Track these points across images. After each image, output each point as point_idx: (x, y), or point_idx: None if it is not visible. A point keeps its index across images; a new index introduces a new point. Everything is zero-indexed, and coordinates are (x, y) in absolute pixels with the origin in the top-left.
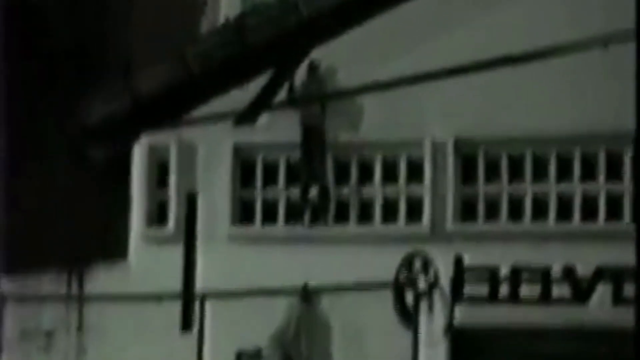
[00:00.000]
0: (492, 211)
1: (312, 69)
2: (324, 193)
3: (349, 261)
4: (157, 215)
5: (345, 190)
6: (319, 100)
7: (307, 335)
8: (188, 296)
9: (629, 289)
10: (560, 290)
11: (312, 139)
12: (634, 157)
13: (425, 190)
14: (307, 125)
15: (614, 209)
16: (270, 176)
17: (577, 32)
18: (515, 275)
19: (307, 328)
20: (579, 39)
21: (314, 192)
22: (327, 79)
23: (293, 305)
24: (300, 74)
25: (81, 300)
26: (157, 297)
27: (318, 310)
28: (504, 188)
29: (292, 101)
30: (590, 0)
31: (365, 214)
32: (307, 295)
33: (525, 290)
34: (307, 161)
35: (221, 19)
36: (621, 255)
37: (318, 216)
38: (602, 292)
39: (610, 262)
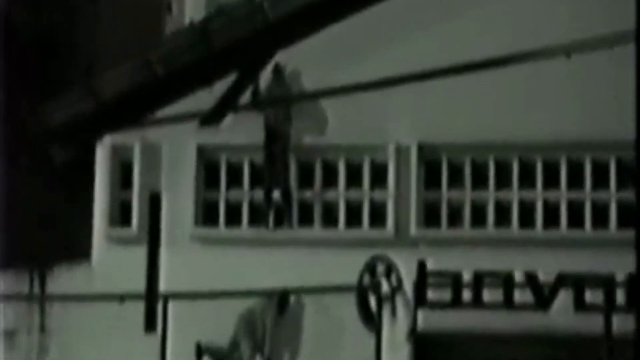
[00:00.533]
0: (455, 217)
1: (277, 71)
2: (286, 196)
3: (313, 264)
4: (121, 215)
5: (309, 194)
6: (283, 102)
7: (276, 335)
8: (151, 297)
9: (590, 296)
10: (522, 296)
11: (276, 141)
12: (636, 161)
13: (388, 195)
14: (271, 128)
15: (576, 216)
16: (234, 178)
17: (540, 39)
18: (478, 281)
19: (277, 329)
20: (541, 47)
21: (277, 194)
22: (291, 81)
23: (264, 306)
24: (265, 77)
25: (43, 300)
26: (120, 298)
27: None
28: (467, 194)
29: (256, 104)
30: (555, 7)
31: (329, 218)
32: (285, 301)
33: (487, 295)
34: (270, 164)
35: (186, 21)
36: (583, 262)
37: (281, 219)
38: (564, 298)
39: (572, 269)
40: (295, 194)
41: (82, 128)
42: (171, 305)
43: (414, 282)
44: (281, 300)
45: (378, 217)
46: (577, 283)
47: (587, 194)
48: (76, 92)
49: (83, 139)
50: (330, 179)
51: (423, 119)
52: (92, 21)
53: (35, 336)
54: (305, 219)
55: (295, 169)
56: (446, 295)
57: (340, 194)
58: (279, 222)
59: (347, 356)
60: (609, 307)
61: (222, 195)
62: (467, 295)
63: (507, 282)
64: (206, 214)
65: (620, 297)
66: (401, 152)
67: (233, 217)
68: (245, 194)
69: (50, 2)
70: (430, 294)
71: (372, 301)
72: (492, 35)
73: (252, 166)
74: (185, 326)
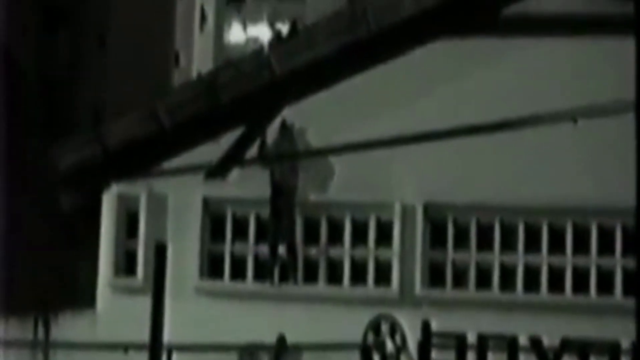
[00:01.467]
0: (460, 278)
1: (284, 127)
2: (291, 251)
3: (317, 321)
4: (126, 264)
5: (314, 250)
6: (290, 158)
7: None
8: (155, 347)
9: None
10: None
11: (282, 196)
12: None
13: (394, 254)
14: (277, 183)
15: (581, 282)
16: (240, 231)
17: (549, 103)
18: (482, 344)
19: None
20: (549, 111)
21: (282, 249)
22: (298, 137)
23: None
24: (272, 131)
25: (47, 347)
26: (124, 347)
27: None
28: (472, 255)
29: (262, 158)
30: (562, 72)
31: (334, 275)
32: (282, 346)
33: (492, 358)
34: (275, 219)
35: (194, 73)
36: (587, 328)
37: (286, 274)
38: None
39: (576, 334)
40: (300, 250)
41: (89, 175)
42: (175, 357)
43: (418, 342)
44: (278, 346)
45: (383, 275)
46: (581, 349)
47: (593, 260)
48: (83, 139)
49: (90, 186)
50: (335, 236)
51: (430, 178)
52: (100, 66)
53: None
54: (310, 275)
55: (301, 225)
56: (450, 356)
57: (346, 252)
58: (283, 278)
59: None
60: None
61: (228, 248)
62: (471, 357)
63: (511, 345)
64: (211, 267)
65: None
66: (407, 211)
67: (238, 271)
68: (251, 248)
69: (59, 47)
70: (435, 355)
71: None
72: (500, 97)
73: (258, 220)
74: None
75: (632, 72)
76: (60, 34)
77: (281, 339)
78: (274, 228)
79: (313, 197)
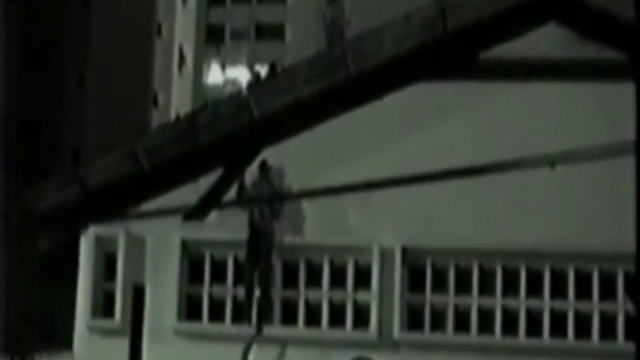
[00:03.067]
0: (438, 321)
1: (264, 168)
2: (266, 295)
3: None
4: (104, 306)
5: (292, 293)
6: (269, 200)
7: None
8: None
9: None
10: None
11: (260, 239)
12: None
13: (372, 297)
14: (255, 225)
15: (559, 326)
16: (218, 273)
17: (527, 147)
18: None
19: None
20: (527, 155)
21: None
22: (278, 179)
23: None
24: (252, 173)
25: None
26: None
27: None
28: (450, 298)
29: (241, 200)
30: (541, 116)
31: (312, 318)
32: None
33: None
34: (252, 261)
35: (172, 114)
36: None
37: (262, 317)
38: None
39: None
40: (278, 293)
41: (67, 216)
42: None
43: None
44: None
45: (361, 318)
46: None
47: (570, 304)
48: (61, 180)
49: (68, 227)
50: (314, 279)
51: (408, 222)
52: (79, 107)
53: None
54: (289, 318)
55: (280, 267)
56: None
57: (324, 294)
58: (259, 321)
59: None
60: None
61: (206, 291)
62: None
63: None
64: (189, 309)
65: None
66: (385, 255)
67: (216, 313)
68: (229, 290)
69: (36, 86)
70: None
71: None
72: (479, 142)
73: (237, 262)
74: None
75: (614, 116)
76: (40, 74)
77: None
78: (250, 270)
79: (291, 240)
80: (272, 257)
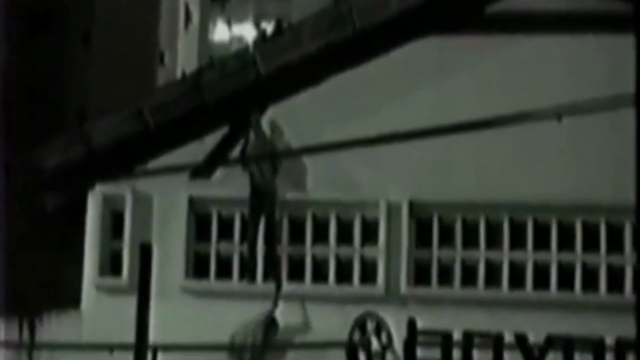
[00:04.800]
0: (445, 275)
1: (258, 126)
2: (271, 250)
3: (303, 319)
4: (111, 265)
5: (299, 249)
6: (271, 158)
7: None
8: (140, 348)
9: (579, 358)
10: (512, 356)
11: (262, 196)
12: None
13: (379, 252)
14: (255, 184)
15: (566, 278)
16: (225, 230)
17: (535, 100)
18: (468, 341)
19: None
20: (534, 108)
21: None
22: (280, 137)
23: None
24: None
25: (32, 348)
26: (109, 348)
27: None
28: (457, 253)
29: (244, 159)
30: (548, 69)
31: (319, 274)
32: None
33: (477, 355)
34: (255, 220)
35: (178, 72)
36: (572, 324)
37: (267, 272)
38: None
39: (561, 331)
40: (285, 249)
41: (73, 175)
42: (160, 357)
43: (404, 340)
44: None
45: (369, 273)
46: (566, 345)
47: (578, 257)
48: (67, 139)
49: (74, 186)
50: (320, 235)
51: (415, 176)
52: (84, 67)
53: None
54: (296, 274)
55: (286, 224)
56: (436, 354)
57: (331, 250)
58: (265, 276)
59: None
60: None
61: (213, 248)
62: (456, 354)
63: (496, 342)
64: (197, 266)
65: None
66: (392, 209)
67: (224, 270)
68: (236, 247)
69: (40, 46)
70: (420, 353)
71: (362, 358)
72: (486, 95)
73: (243, 220)
74: None
75: (620, 68)
76: (44, 34)
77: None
78: (253, 228)
79: (297, 196)
80: (275, 214)
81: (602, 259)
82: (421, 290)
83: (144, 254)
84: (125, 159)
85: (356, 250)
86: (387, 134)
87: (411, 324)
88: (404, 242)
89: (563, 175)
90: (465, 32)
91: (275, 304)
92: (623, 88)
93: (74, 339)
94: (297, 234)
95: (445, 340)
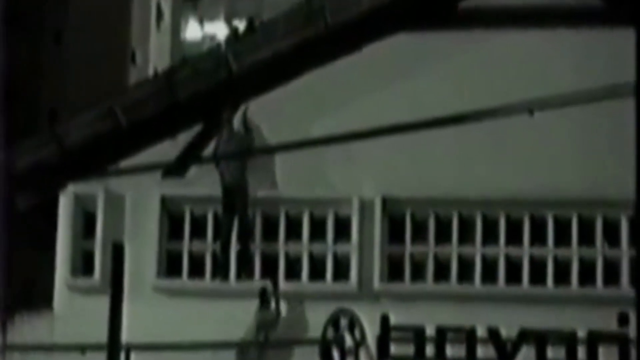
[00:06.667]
0: (418, 271)
1: (229, 123)
2: (245, 250)
3: None
4: (83, 265)
5: (272, 247)
6: (241, 156)
7: None
8: (113, 348)
9: (552, 352)
10: (485, 351)
11: (234, 194)
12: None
13: (352, 249)
14: (226, 182)
15: (539, 273)
16: (198, 229)
17: (508, 95)
18: (441, 336)
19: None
20: (506, 103)
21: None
22: (252, 134)
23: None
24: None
25: (4, 349)
26: (82, 349)
27: None
28: (430, 249)
29: (216, 157)
30: (522, 64)
31: (292, 271)
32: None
33: (450, 351)
34: (228, 218)
35: (150, 71)
36: (545, 318)
37: (240, 272)
38: (526, 354)
39: (534, 325)
40: (258, 247)
41: (45, 175)
42: (133, 357)
43: (377, 337)
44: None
45: (342, 270)
46: (539, 339)
47: (550, 251)
48: (40, 138)
49: (46, 186)
50: (293, 232)
51: (388, 173)
52: (56, 65)
53: None
54: (268, 272)
55: (259, 221)
56: (409, 350)
57: (304, 247)
58: (238, 275)
59: None
60: None
61: (186, 247)
62: (430, 350)
63: (469, 337)
64: (169, 266)
65: (581, 353)
66: (365, 206)
67: (196, 269)
68: (209, 246)
69: (12, 46)
70: (393, 349)
71: (336, 355)
72: (458, 91)
73: (216, 218)
74: None
75: (592, 61)
76: (16, 33)
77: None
78: (226, 226)
79: (270, 194)
80: (248, 212)
81: (574, 253)
82: (394, 287)
83: (117, 253)
84: (97, 158)
85: (329, 247)
86: (360, 130)
87: (384, 320)
88: (376, 239)
89: (534, 171)
90: (438, 28)
91: (277, 304)
92: (595, 82)
93: (46, 339)
94: (270, 232)
95: (418, 336)
